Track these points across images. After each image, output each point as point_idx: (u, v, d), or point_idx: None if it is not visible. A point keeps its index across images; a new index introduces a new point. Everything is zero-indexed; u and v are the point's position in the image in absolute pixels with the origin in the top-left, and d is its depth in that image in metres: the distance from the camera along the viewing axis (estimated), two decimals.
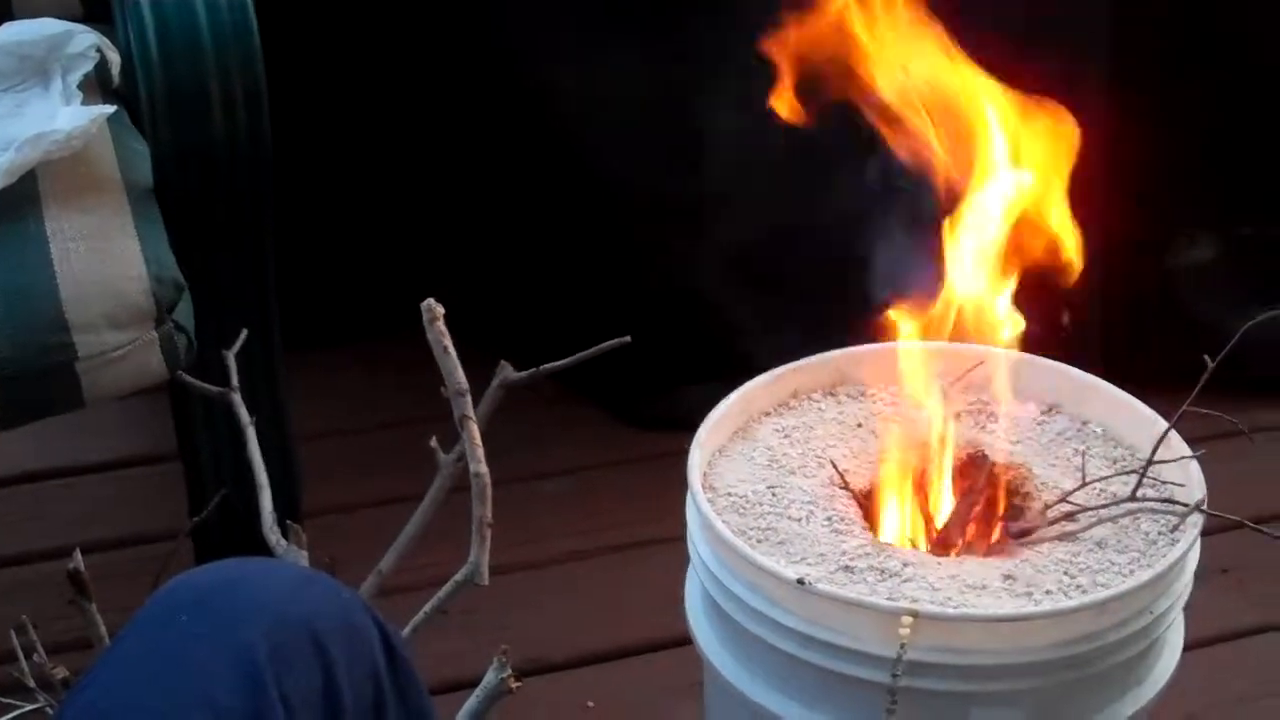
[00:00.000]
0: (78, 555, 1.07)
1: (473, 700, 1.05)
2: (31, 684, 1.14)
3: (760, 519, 1.20)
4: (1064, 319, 1.57)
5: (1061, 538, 1.18)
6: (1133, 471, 1.22)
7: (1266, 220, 2.03)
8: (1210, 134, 1.95)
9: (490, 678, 1.04)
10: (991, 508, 1.24)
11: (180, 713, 0.70)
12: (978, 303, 1.29)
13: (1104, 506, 1.20)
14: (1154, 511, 1.19)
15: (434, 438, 1.15)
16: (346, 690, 0.75)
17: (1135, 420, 1.28)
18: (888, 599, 1.10)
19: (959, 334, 1.29)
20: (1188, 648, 1.22)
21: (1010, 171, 1.25)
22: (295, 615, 0.75)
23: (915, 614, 1.06)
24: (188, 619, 0.73)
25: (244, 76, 1.35)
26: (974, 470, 1.26)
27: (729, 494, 1.23)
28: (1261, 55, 1.93)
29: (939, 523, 1.25)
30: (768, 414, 1.33)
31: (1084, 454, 1.27)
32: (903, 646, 1.06)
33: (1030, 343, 1.32)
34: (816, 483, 1.24)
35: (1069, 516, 1.20)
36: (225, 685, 0.70)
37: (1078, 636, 1.09)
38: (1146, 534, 1.18)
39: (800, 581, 1.09)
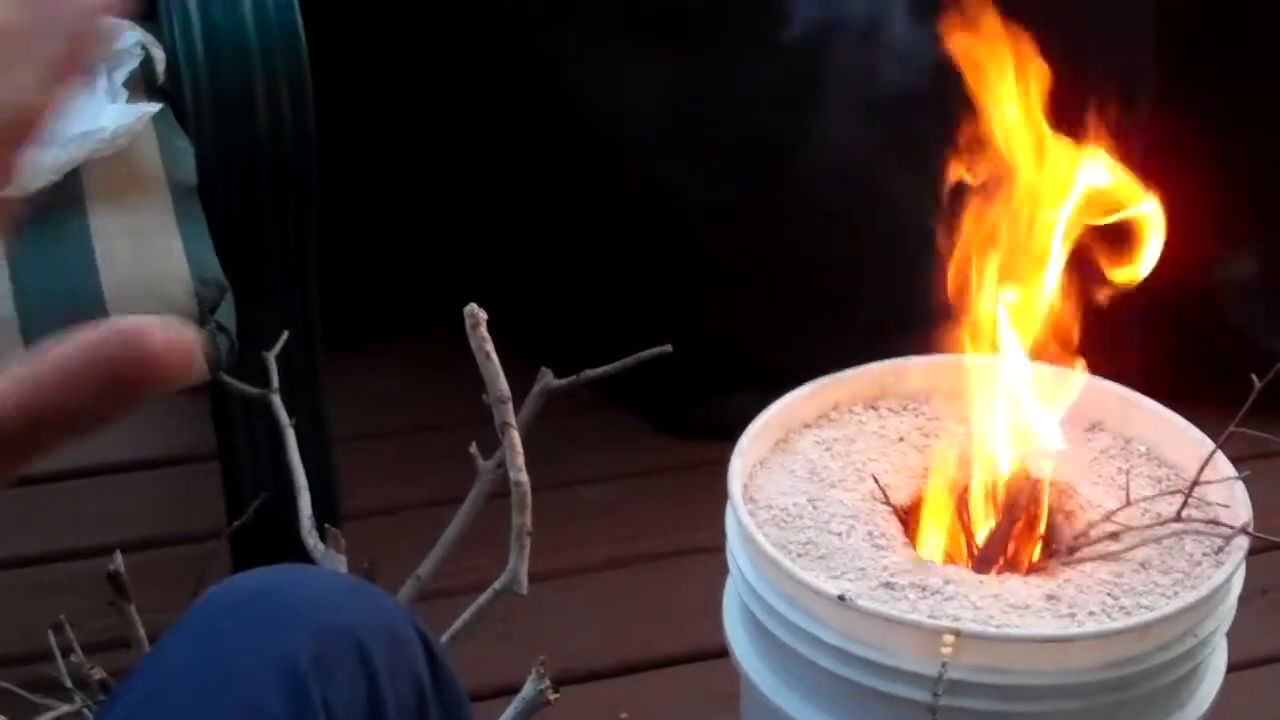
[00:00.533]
0: (118, 556, 1.07)
1: (511, 711, 1.05)
2: (69, 684, 1.14)
3: (800, 532, 1.19)
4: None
5: (1104, 558, 1.17)
6: (1177, 491, 1.21)
7: None
8: (1251, 150, 1.93)
9: (529, 689, 1.04)
10: (1033, 526, 1.23)
11: None
12: (1018, 317, 1.28)
13: (1148, 527, 1.19)
14: (1199, 533, 1.18)
15: (474, 444, 1.15)
16: (390, 699, 0.74)
17: (1179, 439, 1.27)
18: (929, 617, 1.09)
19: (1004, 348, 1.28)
20: (1231, 670, 1.20)
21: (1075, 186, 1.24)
22: (338, 623, 0.74)
23: (957, 633, 1.05)
24: (230, 626, 0.72)
25: (290, 76, 1.34)
26: (1016, 488, 1.25)
27: (769, 506, 1.22)
28: None
29: (980, 540, 1.24)
30: (808, 425, 1.32)
31: (1128, 473, 1.26)
32: (944, 665, 1.05)
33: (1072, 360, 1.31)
34: (857, 496, 1.23)
35: (1112, 536, 1.19)
36: (268, 693, 0.70)
37: (1120, 659, 1.08)
38: (1190, 555, 1.17)
39: (841, 597, 1.08)
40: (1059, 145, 1.24)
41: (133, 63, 1.39)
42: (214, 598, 0.75)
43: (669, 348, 1.21)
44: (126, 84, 1.37)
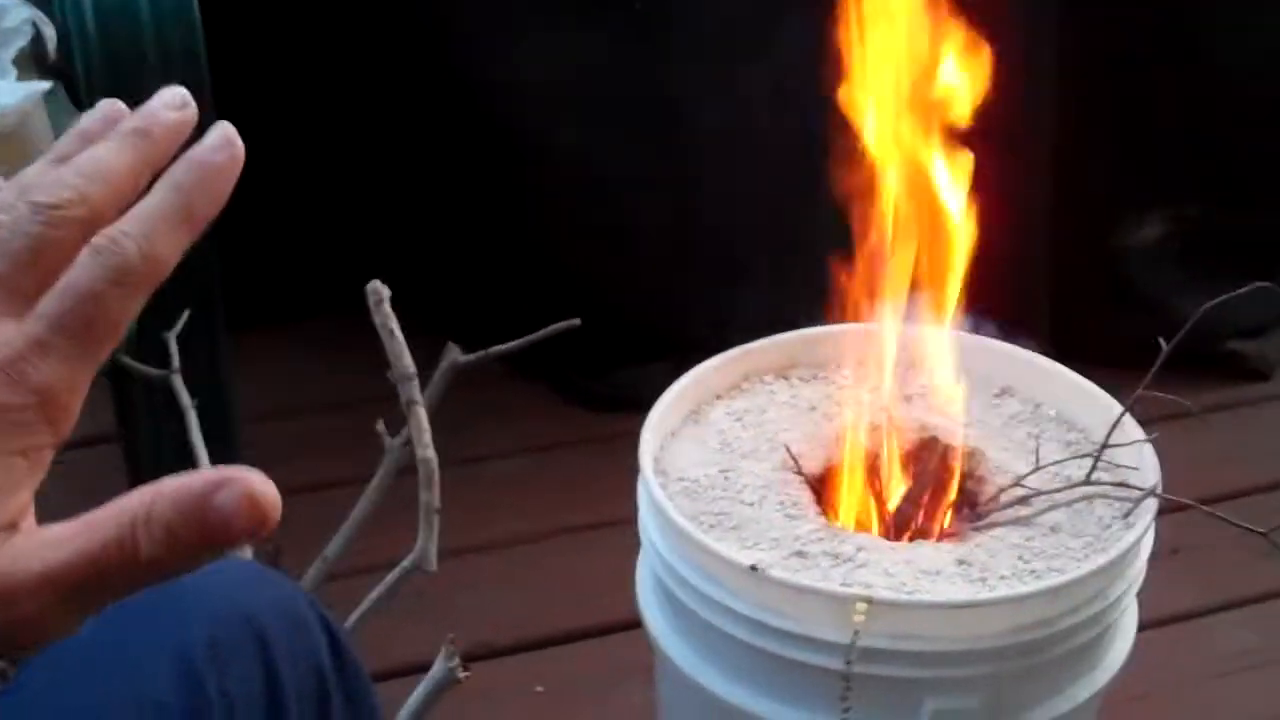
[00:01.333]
0: None
1: (420, 690, 1.03)
2: None
3: (712, 504, 1.18)
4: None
5: (1015, 522, 1.17)
6: (1087, 455, 1.21)
7: (1213, 200, 2.03)
8: (1158, 115, 1.94)
9: (438, 667, 1.02)
10: (944, 492, 1.23)
11: (116, 712, 0.68)
12: (927, 283, 1.28)
13: (1058, 490, 1.19)
14: (1108, 496, 1.19)
15: (380, 421, 1.13)
16: (289, 686, 0.73)
17: (1088, 403, 1.28)
18: (841, 585, 1.09)
19: (910, 315, 1.28)
20: (1141, 629, 1.21)
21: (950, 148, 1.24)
22: (235, 610, 0.73)
23: (869, 600, 1.05)
24: (123, 617, 0.71)
25: (183, 46, 1.32)
26: (927, 454, 1.25)
27: (681, 478, 1.21)
28: (1209, 39, 1.93)
29: (892, 507, 1.24)
30: (720, 397, 1.31)
31: (1038, 437, 1.26)
32: (856, 633, 1.05)
33: (980, 324, 1.31)
34: (769, 467, 1.23)
35: (1023, 501, 1.19)
36: (162, 684, 0.69)
37: (1032, 622, 1.08)
38: (1100, 518, 1.18)
39: (753, 568, 1.08)
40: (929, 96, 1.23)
41: (22, 40, 1.36)
42: None
43: (577, 321, 1.19)
44: (15, 62, 1.34)
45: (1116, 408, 1.21)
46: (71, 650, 0.71)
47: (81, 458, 1.83)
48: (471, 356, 1.15)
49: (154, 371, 1.23)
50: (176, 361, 1.22)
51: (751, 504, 1.18)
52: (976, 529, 1.18)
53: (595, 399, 1.91)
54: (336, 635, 0.78)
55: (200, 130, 0.52)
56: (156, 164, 0.51)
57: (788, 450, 1.24)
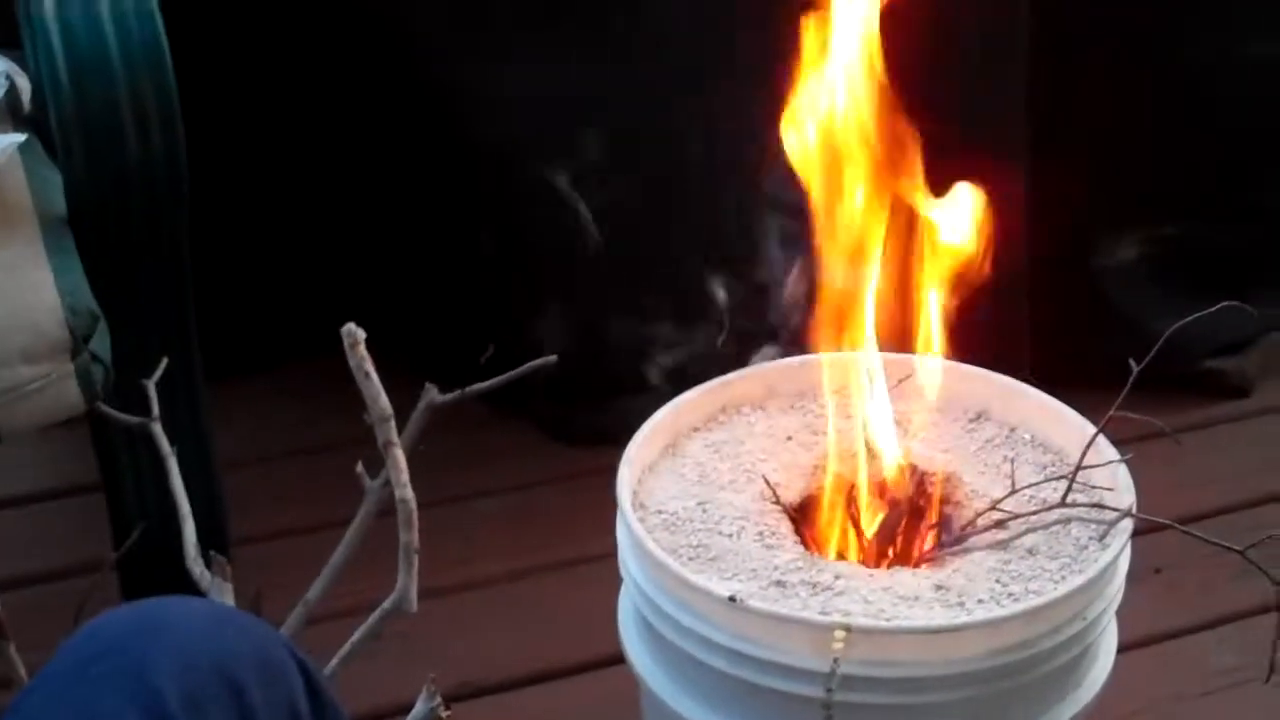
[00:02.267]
0: None
1: None
2: None
3: (691, 536, 1.19)
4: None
5: (992, 546, 1.18)
6: (1062, 477, 1.22)
7: (1189, 219, 2.04)
8: (1134, 135, 1.95)
9: (420, 708, 1.02)
10: (922, 517, 1.24)
11: None
12: (899, 311, 1.29)
13: (1034, 513, 1.20)
14: (1084, 518, 1.19)
15: (360, 463, 1.13)
16: None
17: (1063, 425, 1.29)
18: (820, 613, 1.10)
19: (883, 343, 1.29)
20: (1122, 649, 1.22)
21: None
22: (209, 658, 0.73)
23: (848, 628, 1.06)
24: (96, 671, 0.71)
25: (157, 97, 1.32)
26: (903, 480, 1.26)
27: (659, 511, 1.22)
28: (1183, 55, 1.94)
29: (870, 534, 1.24)
30: (697, 429, 1.32)
31: (1013, 461, 1.27)
32: (836, 661, 1.05)
33: (956, 349, 1.32)
34: (747, 497, 1.24)
35: (999, 524, 1.20)
36: None
37: (1011, 645, 1.09)
38: (1077, 539, 1.18)
39: (731, 598, 1.08)
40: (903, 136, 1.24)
41: None
42: (81, 639, 0.73)
43: (554, 358, 1.20)
44: None
45: (1091, 429, 1.22)
46: (41, 708, 0.71)
47: (65, 506, 1.84)
48: (449, 396, 1.16)
49: (133, 420, 1.23)
50: (156, 409, 1.22)
51: (730, 535, 1.19)
52: (954, 554, 1.19)
53: (575, 434, 1.92)
54: (313, 677, 0.78)
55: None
56: None
57: (765, 480, 1.24)
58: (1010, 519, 1.20)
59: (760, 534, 1.19)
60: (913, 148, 1.22)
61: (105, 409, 1.25)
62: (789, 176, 1.24)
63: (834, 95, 1.22)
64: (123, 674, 0.70)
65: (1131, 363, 1.18)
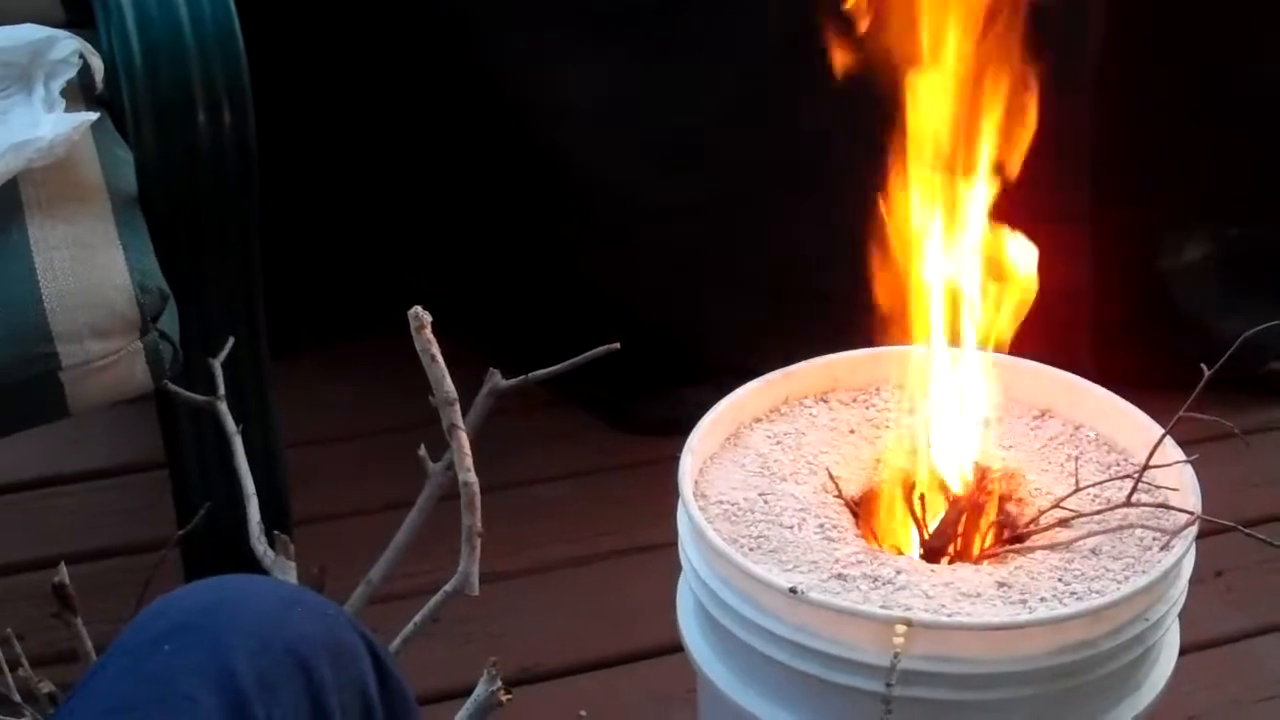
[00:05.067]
0: (63, 569, 1.05)
1: (463, 713, 1.04)
2: (17, 698, 1.13)
3: (752, 527, 1.19)
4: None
5: (1055, 545, 1.17)
6: (1126, 476, 1.21)
7: (1254, 221, 2.02)
8: (1199, 135, 1.94)
9: (480, 690, 1.03)
10: (984, 514, 1.23)
11: None
12: (969, 306, 1.28)
13: (1098, 513, 1.19)
14: (1148, 519, 1.18)
15: (422, 446, 1.14)
16: (336, 712, 0.73)
17: (1127, 424, 1.28)
18: (881, 607, 1.09)
19: (951, 338, 1.28)
20: (1183, 652, 1.21)
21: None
22: (280, 638, 0.73)
23: (909, 622, 1.05)
24: (169, 648, 0.71)
25: (228, 79, 1.33)
26: (965, 477, 1.25)
27: (720, 501, 1.22)
28: (1250, 57, 1.92)
29: (931, 530, 1.24)
30: (759, 420, 1.32)
31: (1077, 459, 1.26)
32: (896, 655, 1.05)
33: (1019, 346, 1.31)
34: (808, 490, 1.23)
35: (1063, 523, 1.19)
36: (210, 715, 0.69)
37: (1072, 644, 1.08)
38: (1141, 540, 1.17)
39: (793, 590, 1.08)
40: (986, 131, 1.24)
41: (70, 71, 1.38)
42: (153, 615, 0.74)
43: (617, 346, 1.20)
44: (64, 93, 1.36)
45: (1156, 429, 1.21)
46: (118, 684, 0.72)
47: (131, 482, 1.86)
48: (513, 381, 1.16)
49: (199, 398, 1.24)
50: (222, 388, 1.23)
51: (791, 527, 1.19)
52: (1016, 552, 1.18)
53: (637, 423, 1.92)
54: (381, 658, 0.79)
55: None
56: None
57: (828, 473, 1.24)
58: (1074, 518, 1.19)
59: (821, 526, 1.19)
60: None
61: (172, 387, 1.26)
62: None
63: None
64: (197, 651, 0.71)
65: (1203, 366, 1.17)
